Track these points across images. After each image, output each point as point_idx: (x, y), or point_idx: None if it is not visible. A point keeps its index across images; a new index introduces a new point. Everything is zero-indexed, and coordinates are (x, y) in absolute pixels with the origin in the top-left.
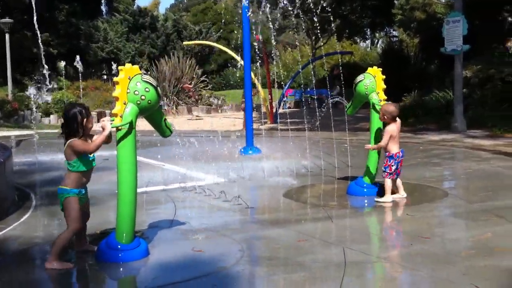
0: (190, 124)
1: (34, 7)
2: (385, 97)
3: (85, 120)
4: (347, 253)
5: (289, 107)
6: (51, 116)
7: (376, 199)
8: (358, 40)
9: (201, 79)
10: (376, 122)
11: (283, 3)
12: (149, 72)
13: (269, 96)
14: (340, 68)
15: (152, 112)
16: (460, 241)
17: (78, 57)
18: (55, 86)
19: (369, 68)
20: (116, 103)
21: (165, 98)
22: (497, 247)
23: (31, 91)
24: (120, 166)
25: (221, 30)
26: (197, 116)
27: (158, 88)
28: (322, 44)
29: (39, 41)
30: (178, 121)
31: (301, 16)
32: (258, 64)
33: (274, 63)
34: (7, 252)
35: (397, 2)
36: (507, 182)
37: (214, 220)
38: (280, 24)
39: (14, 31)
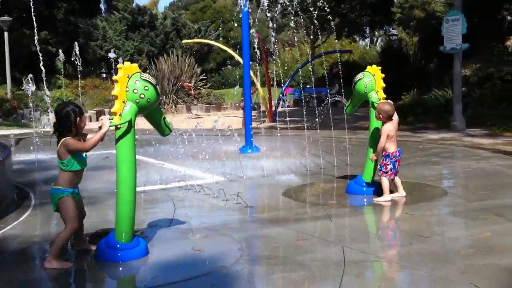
0: (190, 122)
1: (32, 6)
2: (385, 96)
3: (78, 119)
4: (347, 252)
5: (288, 106)
6: (50, 114)
7: (375, 199)
8: (357, 39)
9: (200, 77)
10: (375, 121)
11: (282, 1)
12: (148, 71)
13: (268, 94)
14: (339, 66)
15: (151, 111)
16: (459, 240)
17: (76, 44)
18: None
19: (368, 67)
20: (115, 102)
21: (164, 97)
22: (496, 246)
23: (28, 87)
24: (119, 165)
25: (220, 29)
26: (196, 114)
27: (157, 86)
28: (321, 42)
29: (36, 40)
30: (177, 119)
31: (300, 14)
32: (257, 61)
33: (274, 61)
34: (7, 251)
35: (396, 0)
36: (506, 180)
37: (214, 219)
38: (279, 23)
39: (13, 29)
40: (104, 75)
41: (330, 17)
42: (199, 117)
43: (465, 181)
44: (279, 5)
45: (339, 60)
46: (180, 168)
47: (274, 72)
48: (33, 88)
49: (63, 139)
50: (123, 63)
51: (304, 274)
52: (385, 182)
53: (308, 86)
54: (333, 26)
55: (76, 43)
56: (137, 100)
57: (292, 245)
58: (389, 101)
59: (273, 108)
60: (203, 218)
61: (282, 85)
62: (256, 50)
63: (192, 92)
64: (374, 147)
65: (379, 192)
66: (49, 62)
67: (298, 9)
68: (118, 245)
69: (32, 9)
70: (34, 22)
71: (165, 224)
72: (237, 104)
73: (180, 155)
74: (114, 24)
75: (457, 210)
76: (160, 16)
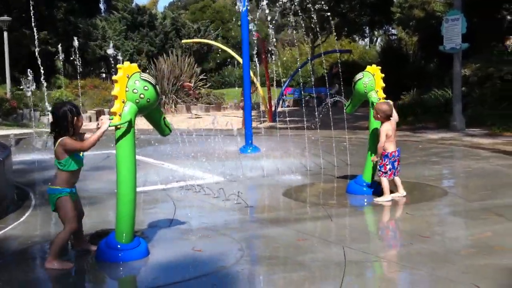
0: (190, 122)
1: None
2: (384, 96)
3: (75, 118)
4: (347, 252)
5: (288, 106)
6: (50, 114)
7: (375, 199)
8: (357, 38)
9: (200, 77)
10: (375, 121)
11: (281, 1)
12: (147, 71)
13: (268, 94)
14: (339, 66)
15: (151, 111)
16: (459, 240)
17: (75, 39)
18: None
19: (368, 67)
20: (115, 102)
21: (164, 96)
22: (497, 246)
23: (26, 82)
24: (119, 165)
25: (220, 28)
26: (196, 114)
27: (157, 86)
28: (320, 42)
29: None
30: (176, 119)
31: (300, 14)
32: (256, 61)
33: (273, 61)
34: (7, 252)
35: (395, 0)
36: (506, 180)
37: (214, 219)
38: (278, 22)
39: (13, 29)
40: (103, 75)
41: (330, 16)
42: (199, 117)
43: (465, 181)
44: (277, 4)
45: (338, 60)
46: (180, 168)
47: (274, 72)
48: (33, 87)
49: (60, 138)
50: (122, 63)
51: (304, 275)
52: (385, 182)
53: (306, 85)
54: (332, 26)
55: (75, 38)
56: (137, 100)
57: (292, 245)
58: (388, 101)
59: (273, 108)
60: (203, 218)
61: (282, 85)
62: (255, 50)
63: (192, 92)
64: (374, 147)
65: (379, 192)
66: (49, 62)
67: (298, 9)
68: (119, 246)
69: (32, 9)
70: (33, 22)
71: (166, 225)
72: (236, 104)
73: (180, 155)
74: (113, 24)
75: (458, 210)
76: (159, 16)
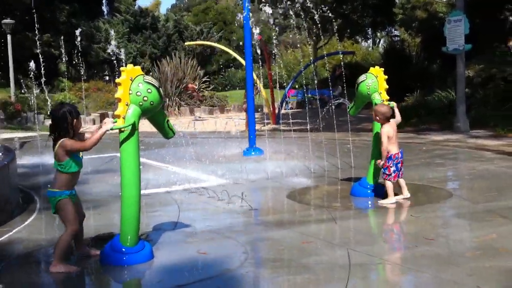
0: (195, 125)
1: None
2: (388, 97)
3: (75, 120)
4: (352, 254)
5: (291, 108)
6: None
7: (379, 201)
8: (360, 40)
9: (203, 79)
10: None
11: (284, 3)
12: (151, 73)
13: (271, 96)
14: (342, 68)
15: (154, 113)
16: (464, 242)
17: (78, 33)
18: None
19: (371, 68)
20: (118, 105)
21: (167, 99)
22: (502, 248)
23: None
24: (123, 168)
25: (223, 30)
26: (199, 117)
27: (160, 89)
28: (323, 44)
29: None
30: (180, 122)
31: (302, 16)
32: (259, 63)
33: (276, 63)
34: (12, 255)
35: (398, 1)
36: (511, 182)
37: (218, 222)
38: (281, 24)
39: (16, 32)
40: (107, 78)
41: (332, 18)
42: (203, 119)
43: (470, 182)
44: (280, 6)
45: (341, 62)
46: (184, 170)
47: (277, 74)
48: (37, 90)
49: (60, 140)
50: (125, 65)
51: (309, 277)
52: (389, 185)
53: (309, 87)
54: (335, 28)
55: (77, 31)
56: (141, 103)
57: (297, 247)
58: (392, 102)
59: (276, 110)
60: (207, 221)
61: (285, 87)
62: (258, 52)
63: (196, 94)
64: (377, 150)
65: (383, 194)
66: (52, 65)
67: (300, 11)
68: (123, 249)
69: (35, 12)
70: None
71: (170, 227)
72: (239, 106)
73: (184, 157)
74: (116, 26)
75: (462, 212)
76: (162, 18)
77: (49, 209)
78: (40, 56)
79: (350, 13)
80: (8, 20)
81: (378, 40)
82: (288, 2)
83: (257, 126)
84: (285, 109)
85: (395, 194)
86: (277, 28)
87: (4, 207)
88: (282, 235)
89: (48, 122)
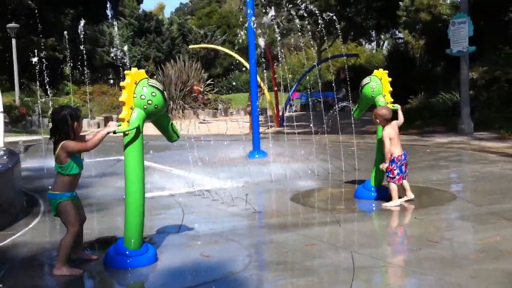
0: (199, 127)
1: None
2: (392, 100)
3: (75, 123)
4: (355, 257)
5: (295, 110)
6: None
7: (383, 204)
8: (364, 42)
9: (207, 82)
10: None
11: (288, 7)
12: (155, 76)
13: (275, 99)
14: (346, 71)
15: (159, 117)
16: (468, 245)
17: (82, 23)
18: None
19: (375, 71)
20: (122, 108)
21: (171, 102)
22: (506, 250)
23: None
24: (127, 171)
25: (226, 34)
26: (203, 119)
27: (165, 92)
28: (327, 46)
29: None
30: (184, 125)
31: (307, 18)
32: (263, 66)
33: (280, 66)
34: (16, 258)
35: (402, 3)
36: None
37: (222, 225)
38: (285, 27)
39: (21, 36)
40: (111, 81)
41: (336, 20)
42: (208, 122)
43: (474, 185)
44: (283, 9)
45: (345, 64)
46: (188, 173)
47: (281, 77)
48: (41, 94)
49: (62, 142)
50: (130, 69)
51: (313, 280)
52: (393, 187)
53: (313, 89)
54: (339, 30)
55: (81, 22)
56: (145, 106)
57: (300, 250)
58: (396, 105)
59: (280, 113)
60: (211, 224)
61: (289, 89)
62: (262, 55)
63: (201, 97)
64: (381, 152)
65: (387, 197)
66: (57, 69)
67: (304, 13)
68: (127, 252)
69: (39, 16)
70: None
71: (174, 230)
72: (243, 109)
73: (188, 160)
74: (120, 30)
75: (466, 214)
76: (166, 21)
77: None
78: (42, 60)
79: (354, 16)
80: (13, 24)
81: (382, 42)
82: (290, 5)
83: (261, 129)
84: (289, 112)
85: (399, 197)
86: (279, 31)
87: (8, 210)
88: (286, 238)
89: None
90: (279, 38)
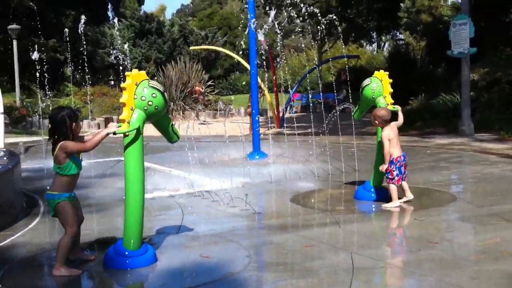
0: (200, 128)
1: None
2: (392, 101)
3: (74, 123)
4: (355, 258)
5: (296, 112)
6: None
7: (383, 205)
8: (364, 44)
9: (208, 83)
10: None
11: (288, 8)
12: (156, 78)
13: (276, 100)
14: (347, 72)
15: (159, 118)
16: (468, 246)
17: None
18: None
19: (376, 72)
20: (123, 109)
21: (172, 103)
22: (506, 251)
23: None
24: (127, 172)
25: (227, 35)
26: (204, 121)
27: (165, 93)
28: (328, 47)
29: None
30: (184, 126)
31: (307, 20)
32: (264, 68)
33: (281, 67)
34: (16, 259)
35: (403, 5)
36: None
37: (222, 226)
38: (286, 28)
39: (22, 37)
40: (112, 82)
41: (337, 22)
42: (208, 123)
43: (474, 186)
44: (284, 10)
45: (346, 66)
46: (188, 174)
47: (282, 78)
48: (41, 96)
49: (61, 142)
50: (130, 70)
51: (312, 281)
52: (393, 188)
53: (313, 91)
54: (340, 31)
55: (82, 17)
56: (145, 107)
57: (300, 251)
58: (397, 106)
59: (281, 114)
60: (211, 224)
61: (290, 90)
62: (263, 57)
63: (202, 98)
64: (381, 153)
65: (387, 198)
66: (58, 70)
67: (306, 15)
68: (127, 252)
69: (40, 17)
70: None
71: (173, 231)
72: (243, 110)
73: (188, 161)
74: (122, 31)
75: (466, 215)
76: (167, 23)
77: None
78: (43, 61)
79: (355, 17)
80: (14, 26)
81: (382, 43)
82: (291, 8)
83: (261, 130)
84: (289, 113)
85: (399, 198)
86: (280, 32)
87: (8, 210)
88: (286, 239)
89: None
90: (280, 38)
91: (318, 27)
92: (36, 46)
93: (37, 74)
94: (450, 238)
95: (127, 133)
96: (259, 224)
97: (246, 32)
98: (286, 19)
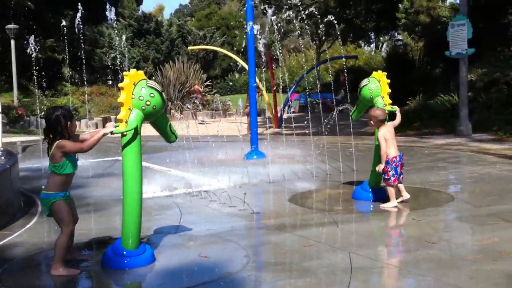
0: (198, 128)
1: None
2: (390, 101)
3: (69, 123)
4: (353, 258)
5: (294, 112)
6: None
7: (381, 205)
8: (363, 44)
9: (206, 83)
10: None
11: (287, 9)
12: (154, 78)
13: (274, 100)
14: (345, 73)
15: (157, 118)
16: (466, 246)
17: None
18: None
19: (374, 72)
20: (121, 109)
21: (170, 103)
22: (504, 251)
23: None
24: (125, 172)
25: (225, 35)
26: (203, 120)
27: (163, 93)
28: (326, 48)
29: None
30: (183, 126)
31: (306, 20)
32: (262, 68)
33: (279, 67)
34: (13, 259)
35: (401, 6)
36: None
37: (220, 226)
38: (284, 29)
39: (19, 37)
40: (110, 82)
41: (335, 22)
42: (206, 123)
43: (472, 186)
44: (283, 10)
45: (344, 66)
46: (186, 174)
47: (280, 78)
48: (39, 95)
49: (57, 141)
50: (128, 70)
51: (310, 281)
52: (390, 188)
53: (312, 91)
54: (338, 32)
55: (80, 9)
56: (143, 107)
57: (298, 251)
58: (395, 106)
59: (279, 114)
60: (209, 224)
61: (288, 90)
62: (262, 58)
63: (200, 97)
64: (378, 154)
65: (385, 198)
66: (56, 70)
67: (304, 15)
68: (125, 252)
69: (38, 17)
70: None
71: (171, 231)
72: (241, 110)
73: (186, 161)
74: (120, 31)
75: (464, 215)
76: (165, 23)
77: None
78: (40, 61)
79: (354, 18)
80: (12, 25)
81: (381, 44)
82: (289, 9)
83: (259, 130)
84: (287, 113)
85: (397, 198)
86: (278, 32)
87: (6, 210)
88: (284, 239)
89: None
90: (278, 39)
91: (317, 27)
92: (33, 43)
93: (34, 72)
94: (448, 238)
95: (125, 133)
96: (257, 224)
97: (244, 36)
98: (284, 20)
